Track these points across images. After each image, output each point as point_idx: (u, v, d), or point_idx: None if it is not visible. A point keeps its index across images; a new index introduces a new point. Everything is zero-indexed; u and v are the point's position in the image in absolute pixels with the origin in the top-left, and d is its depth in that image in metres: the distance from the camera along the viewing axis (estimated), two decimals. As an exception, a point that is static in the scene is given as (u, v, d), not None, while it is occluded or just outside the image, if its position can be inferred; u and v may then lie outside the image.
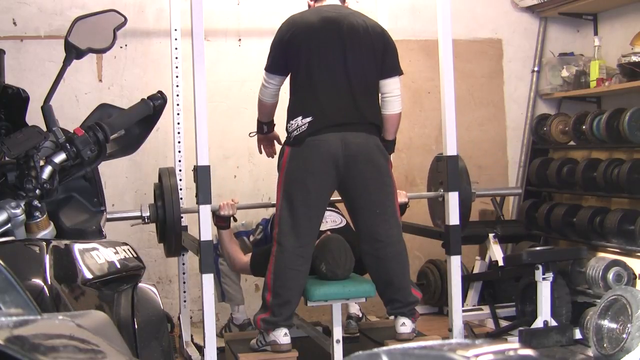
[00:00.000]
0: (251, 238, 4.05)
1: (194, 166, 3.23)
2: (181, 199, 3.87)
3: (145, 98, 1.96)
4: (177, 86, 4.19)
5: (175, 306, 4.39)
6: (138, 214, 3.52)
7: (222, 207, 3.52)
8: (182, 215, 3.62)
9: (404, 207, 3.72)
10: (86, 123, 1.88)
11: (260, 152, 3.79)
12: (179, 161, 4.20)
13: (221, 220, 3.58)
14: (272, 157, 3.72)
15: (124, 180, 4.50)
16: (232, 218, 3.60)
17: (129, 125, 1.95)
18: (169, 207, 3.41)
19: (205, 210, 3.20)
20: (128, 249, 1.91)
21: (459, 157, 3.62)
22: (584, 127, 4.56)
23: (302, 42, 3.29)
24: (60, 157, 1.76)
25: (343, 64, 3.28)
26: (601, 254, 4.26)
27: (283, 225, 3.27)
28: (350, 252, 3.38)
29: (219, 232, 3.65)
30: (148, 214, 3.49)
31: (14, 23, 4.41)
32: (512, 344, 0.81)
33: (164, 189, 3.46)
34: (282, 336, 3.27)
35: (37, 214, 1.70)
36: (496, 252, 4.31)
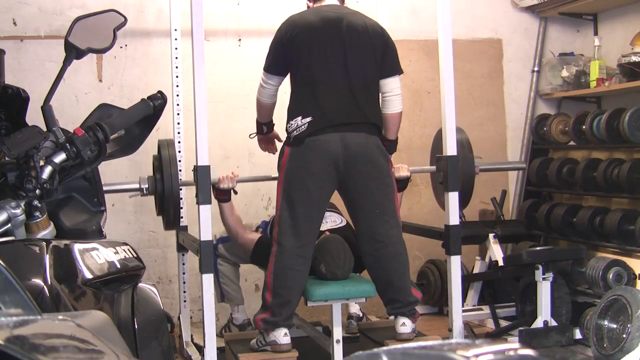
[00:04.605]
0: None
1: (194, 166, 3.23)
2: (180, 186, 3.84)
3: (145, 98, 1.96)
4: (177, 86, 4.19)
5: (175, 306, 4.39)
6: (136, 185, 3.48)
7: (221, 180, 3.52)
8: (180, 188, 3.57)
9: (406, 181, 3.76)
10: (86, 123, 1.88)
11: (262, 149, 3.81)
12: (179, 161, 4.19)
13: (221, 194, 3.56)
14: (274, 153, 3.73)
15: (124, 180, 4.49)
16: (232, 191, 3.59)
17: (129, 125, 1.95)
18: (168, 179, 3.37)
19: (205, 210, 3.19)
20: (128, 249, 1.91)
21: (460, 130, 3.66)
22: (584, 127, 4.55)
23: (301, 42, 3.28)
24: (60, 157, 1.76)
25: (343, 64, 3.27)
26: (601, 254, 4.26)
27: (283, 225, 3.27)
28: (350, 252, 3.38)
29: (220, 205, 3.62)
30: (147, 185, 3.46)
31: (14, 23, 4.41)
32: (512, 344, 0.81)
33: (163, 160, 3.40)
34: (282, 336, 3.27)
35: (37, 214, 1.70)
36: (496, 252, 4.31)
